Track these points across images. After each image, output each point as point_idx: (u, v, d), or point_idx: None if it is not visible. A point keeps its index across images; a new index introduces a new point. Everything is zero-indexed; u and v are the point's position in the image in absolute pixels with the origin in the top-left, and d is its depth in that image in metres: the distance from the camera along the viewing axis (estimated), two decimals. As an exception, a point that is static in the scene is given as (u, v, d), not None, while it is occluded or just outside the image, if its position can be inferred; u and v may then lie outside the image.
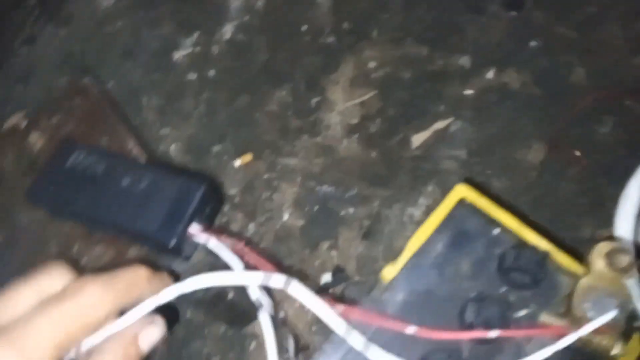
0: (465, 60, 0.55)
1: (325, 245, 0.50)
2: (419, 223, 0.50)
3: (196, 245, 0.34)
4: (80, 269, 0.23)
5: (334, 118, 0.56)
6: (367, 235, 0.49)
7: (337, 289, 0.53)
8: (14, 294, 0.21)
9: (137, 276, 0.23)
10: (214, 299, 0.44)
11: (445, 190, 0.52)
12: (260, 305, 0.29)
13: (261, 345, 0.50)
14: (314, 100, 0.57)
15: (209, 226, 0.34)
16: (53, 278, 0.21)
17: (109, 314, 0.21)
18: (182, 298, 0.28)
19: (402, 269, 0.29)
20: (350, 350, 0.27)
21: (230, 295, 0.45)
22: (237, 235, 0.45)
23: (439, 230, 0.31)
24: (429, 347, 0.28)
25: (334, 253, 0.51)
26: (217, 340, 0.48)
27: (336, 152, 0.54)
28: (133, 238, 0.37)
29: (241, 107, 0.57)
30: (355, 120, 0.56)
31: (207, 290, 0.43)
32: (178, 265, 0.38)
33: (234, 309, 0.45)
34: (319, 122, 0.55)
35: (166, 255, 0.37)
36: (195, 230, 0.34)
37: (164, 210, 0.33)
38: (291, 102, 0.57)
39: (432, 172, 0.52)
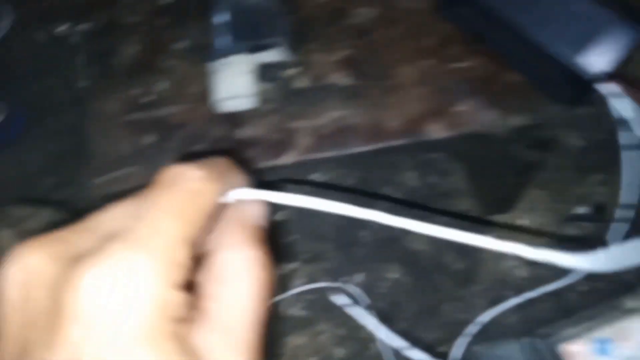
0: None
1: (597, 178, 0.46)
2: None
3: (595, 94, 0.30)
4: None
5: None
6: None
7: (585, 225, 0.49)
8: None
9: (224, 161, 0.19)
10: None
11: None
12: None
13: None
14: None
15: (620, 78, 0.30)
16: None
17: (217, 198, 0.18)
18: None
19: None
20: None
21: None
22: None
23: None
24: None
25: (601, 189, 0.46)
26: (457, 215, 0.46)
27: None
28: (524, 60, 0.33)
29: None
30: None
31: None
32: (552, 110, 0.34)
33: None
34: None
35: (550, 93, 0.34)
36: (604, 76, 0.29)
37: (590, 40, 0.29)
38: None
39: None
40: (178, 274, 0.15)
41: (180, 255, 0.15)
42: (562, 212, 0.52)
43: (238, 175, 0.19)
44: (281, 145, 0.33)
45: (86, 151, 0.52)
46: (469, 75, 0.33)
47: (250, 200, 0.19)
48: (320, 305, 0.48)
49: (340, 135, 0.33)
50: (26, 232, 0.33)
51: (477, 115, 0.33)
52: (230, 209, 0.19)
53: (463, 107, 0.33)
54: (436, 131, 0.32)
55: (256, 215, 0.19)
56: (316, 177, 0.53)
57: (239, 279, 0.17)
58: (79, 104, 0.52)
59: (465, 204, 0.50)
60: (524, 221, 0.50)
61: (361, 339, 0.49)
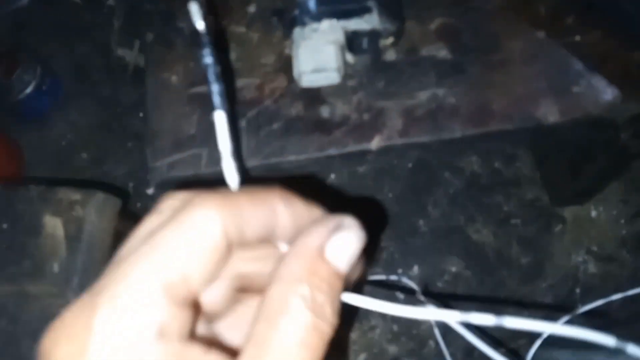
0: None
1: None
2: None
3: None
4: None
5: None
6: None
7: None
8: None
9: (268, 193, 0.14)
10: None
11: None
12: None
13: (567, 232, 0.44)
14: None
15: None
16: (162, 213, 0.14)
17: (228, 237, 0.13)
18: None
19: None
20: None
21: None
22: None
23: None
24: None
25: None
26: (524, 205, 0.43)
27: None
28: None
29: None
30: None
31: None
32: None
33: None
34: None
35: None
36: None
37: None
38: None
39: None
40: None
41: (156, 316, 0.12)
42: (635, 205, 0.49)
43: (295, 211, 0.14)
44: (366, 127, 0.29)
45: (125, 126, 0.48)
46: (584, 51, 0.29)
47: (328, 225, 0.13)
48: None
49: (435, 117, 0.29)
50: (74, 221, 0.29)
51: (594, 98, 0.28)
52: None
53: (579, 89, 0.29)
54: (551, 115, 0.28)
55: (336, 254, 0.14)
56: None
57: (287, 320, 0.13)
58: (115, 73, 0.47)
59: (532, 193, 0.46)
60: (595, 212, 0.46)
61: (417, 336, 0.46)
